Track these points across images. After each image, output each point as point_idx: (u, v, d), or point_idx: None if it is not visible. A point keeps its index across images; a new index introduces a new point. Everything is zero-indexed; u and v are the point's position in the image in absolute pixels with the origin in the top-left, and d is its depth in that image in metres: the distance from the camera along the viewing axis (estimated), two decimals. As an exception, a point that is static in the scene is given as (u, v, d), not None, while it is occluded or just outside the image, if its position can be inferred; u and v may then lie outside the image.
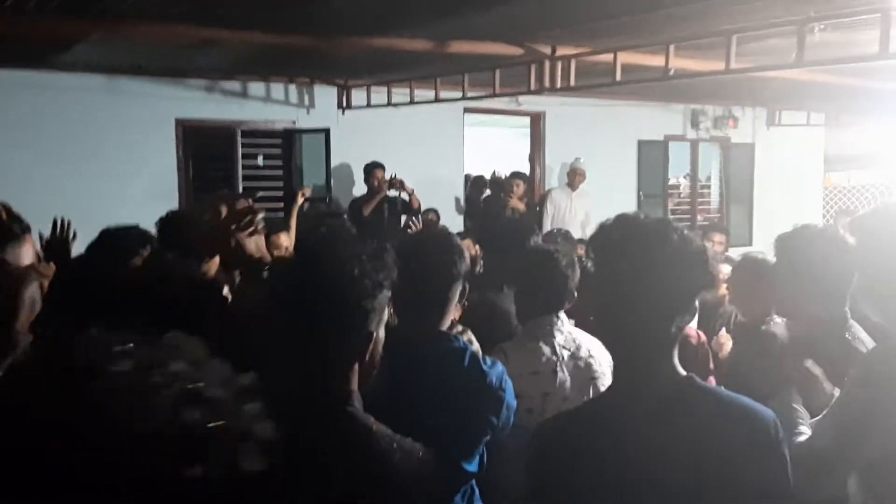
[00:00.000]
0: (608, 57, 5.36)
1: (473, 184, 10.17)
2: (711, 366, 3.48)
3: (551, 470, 1.58)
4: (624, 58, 5.33)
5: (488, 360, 2.27)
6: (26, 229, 2.27)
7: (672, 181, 10.69)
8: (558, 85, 5.74)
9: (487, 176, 10.85)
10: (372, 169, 7.69)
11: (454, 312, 2.37)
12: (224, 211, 2.22)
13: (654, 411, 1.53)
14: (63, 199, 6.21)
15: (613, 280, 1.58)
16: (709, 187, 11.12)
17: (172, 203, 7.22)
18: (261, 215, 2.26)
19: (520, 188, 8.52)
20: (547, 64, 5.72)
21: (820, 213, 11.56)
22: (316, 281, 1.49)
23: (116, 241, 3.51)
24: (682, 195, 10.95)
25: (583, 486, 1.53)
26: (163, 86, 7.39)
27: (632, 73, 5.56)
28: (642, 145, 10.01)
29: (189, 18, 4.81)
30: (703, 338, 3.53)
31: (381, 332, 1.58)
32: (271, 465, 1.39)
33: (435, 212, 7.90)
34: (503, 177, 9.76)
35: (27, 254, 2.26)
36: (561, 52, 5.67)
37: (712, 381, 3.01)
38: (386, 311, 1.58)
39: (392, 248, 1.62)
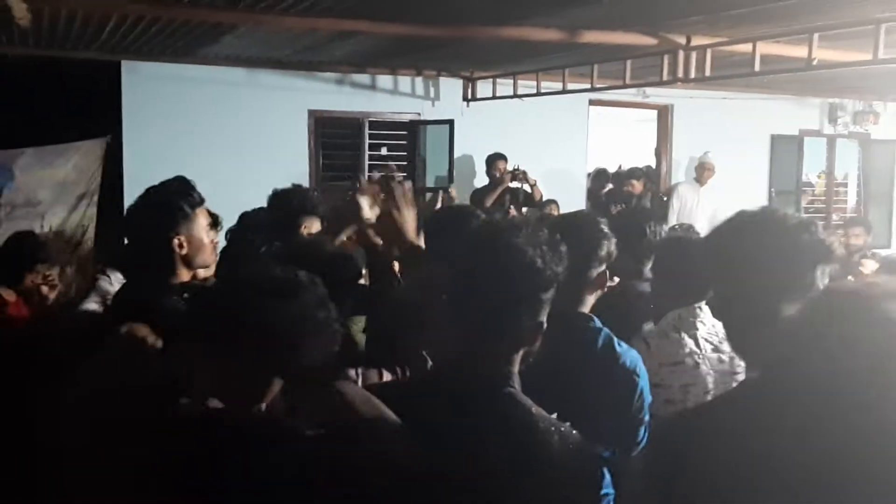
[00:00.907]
0: (746, 47, 5.18)
1: (595, 177, 10.04)
2: None
3: (682, 462, 1.54)
4: (763, 48, 5.14)
5: (623, 345, 2.26)
6: (198, 203, 2.41)
7: (806, 178, 10.23)
8: (692, 76, 5.59)
9: (611, 169, 10.68)
10: (494, 160, 7.72)
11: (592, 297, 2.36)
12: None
13: (783, 404, 1.45)
14: (205, 184, 6.54)
15: (736, 272, 1.60)
16: (846, 185, 10.57)
17: (303, 190, 7.48)
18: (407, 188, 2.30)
19: (635, 187, 8.37)
20: (681, 54, 5.58)
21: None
22: (497, 268, 1.50)
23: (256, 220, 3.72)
24: (816, 193, 10.46)
25: (713, 480, 1.48)
26: (297, 79, 7.68)
27: (771, 64, 5.36)
28: (775, 140, 9.63)
29: (329, 11, 4.96)
30: None
31: (545, 324, 1.58)
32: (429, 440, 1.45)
33: (556, 204, 7.85)
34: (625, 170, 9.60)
35: (201, 225, 2.40)
36: (696, 41, 5.52)
37: None
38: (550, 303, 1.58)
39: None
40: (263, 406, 1.58)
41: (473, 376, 1.52)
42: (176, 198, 2.36)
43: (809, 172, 10.27)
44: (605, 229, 2.37)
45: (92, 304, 3.62)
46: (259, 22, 5.27)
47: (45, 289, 3.75)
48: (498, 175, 7.67)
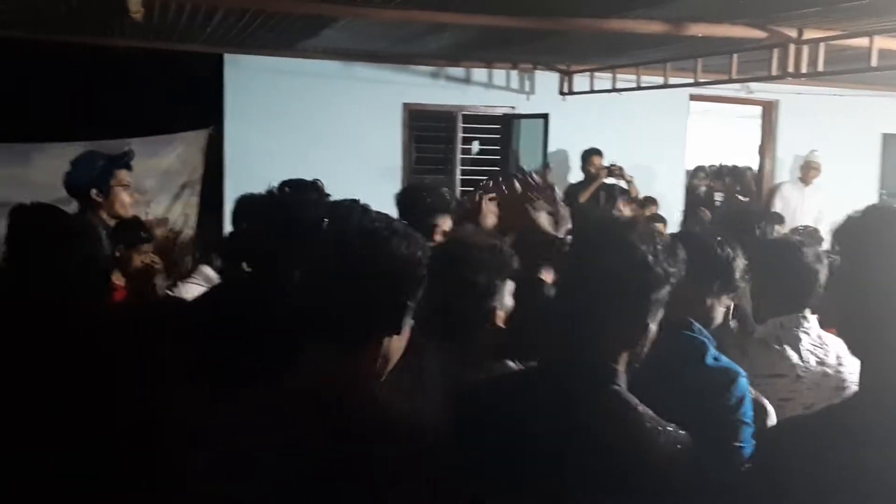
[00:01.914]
0: (862, 41, 4.90)
1: (693, 175, 9.77)
2: None
3: (781, 474, 1.49)
4: (881, 42, 4.85)
5: (723, 358, 2.16)
6: None
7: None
8: (803, 70, 5.33)
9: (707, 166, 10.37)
10: (590, 155, 7.59)
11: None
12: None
13: None
14: (301, 174, 6.65)
15: (864, 276, 1.45)
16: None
17: (396, 181, 7.56)
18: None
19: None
20: (791, 48, 5.33)
21: None
22: (606, 262, 1.50)
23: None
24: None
25: (811, 496, 1.42)
26: (392, 72, 7.74)
27: (889, 60, 5.06)
28: (887, 139, 9.15)
29: (428, 4, 4.95)
30: None
31: (655, 328, 1.56)
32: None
33: (655, 203, 7.65)
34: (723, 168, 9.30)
35: None
36: (808, 35, 5.26)
37: None
38: (662, 310, 1.56)
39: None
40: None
41: (579, 371, 1.53)
42: None
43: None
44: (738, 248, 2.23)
45: (191, 286, 3.74)
46: (359, 14, 5.31)
47: (149, 272, 3.87)
48: (593, 171, 7.54)
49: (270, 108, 7.37)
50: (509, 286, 2.00)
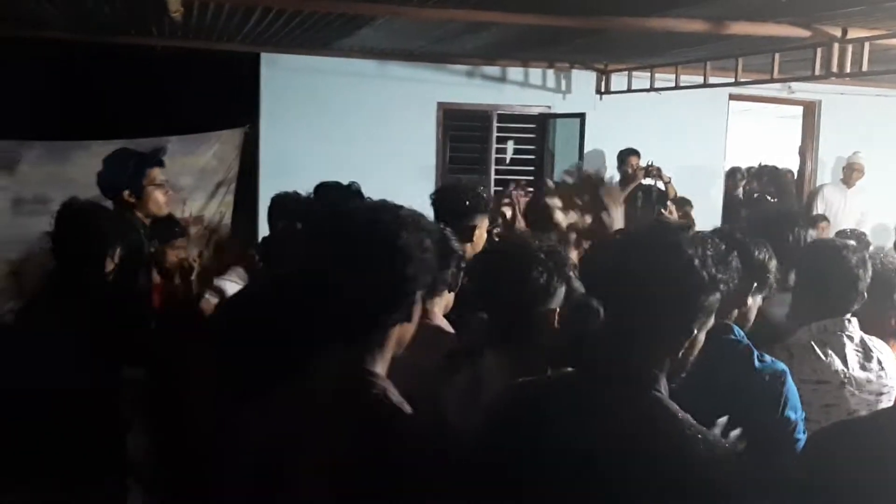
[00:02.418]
0: (907, 40, 4.78)
1: (729, 176, 9.60)
2: None
3: (827, 480, 1.45)
4: (929, 40, 4.73)
5: (766, 357, 2.12)
6: None
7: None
8: (847, 70, 5.20)
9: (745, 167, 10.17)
10: (627, 156, 7.51)
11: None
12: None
13: None
14: (336, 174, 6.67)
15: None
16: None
17: (430, 180, 7.55)
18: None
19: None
20: (835, 47, 5.21)
21: None
22: (651, 264, 1.48)
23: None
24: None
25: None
26: (427, 71, 7.71)
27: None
28: (934, 141, 8.90)
29: (465, 3, 4.92)
30: None
31: (702, 337, 1.54)
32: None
33: (690, 204, 7.54)
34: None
35: None
36: (853, 34, 5.13)
37: None
38: (712, 318, 1.53)
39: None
40: None
41: (620, 376, 1.51)
42: None
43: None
44: (768, 247, 2.23)
45: (228, 283, 3.75)
46: (397, 13, 5.30)
47: (185, 268, 3.89)
48: (630, 171, 7.45)
49: (305, 107, 7.40)
50: (565, 289, 1.98)
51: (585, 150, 8.00)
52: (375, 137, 7.53)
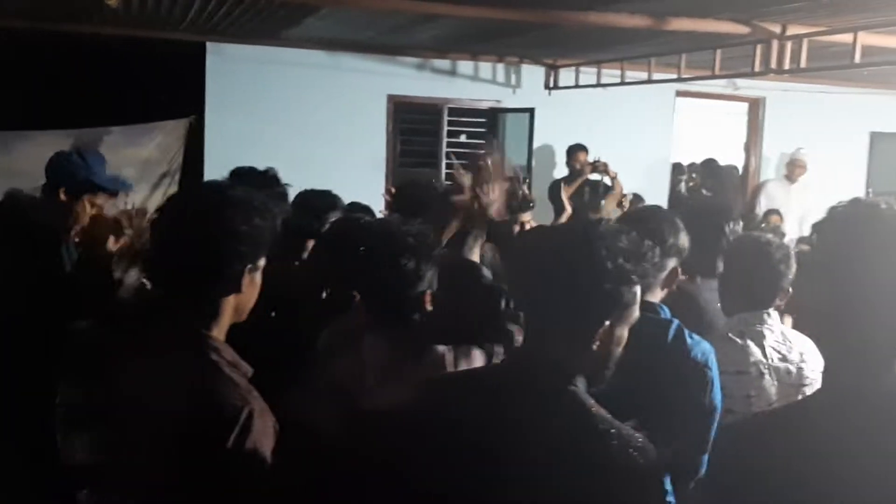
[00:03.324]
0: (846, 37, 4.86)
1: (673, 171, 9.71)
2: None
3: (740, 473, 1.46)
4: (865, 38, 4.82)
5: (694, 336, 2.15)
6: None
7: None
8: (786, 67, 5.29)
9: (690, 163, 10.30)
10: (575, 151, 7.54)
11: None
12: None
13: (864, 425, 1.35)
14: (283, 164, 6.59)
15: (840, 273, 1.41)
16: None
17: (380, 174, 7.53)
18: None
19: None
20: (775, 44, 5.29)
21: None
22: (561, 253, 1.48)
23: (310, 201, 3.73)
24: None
25: (771, 496, 1.40)
26: (378, 63, 7.67)
27: (873, 56, 5.03)
28: (875, 138, 9.13)
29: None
30: None
31: (623, 332, 1.52)
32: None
33: (641, 199, 7.61)
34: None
35: None
36: (792, 31, 5.22)
37: None
38: (632, 312, 1.52)
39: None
40: None
41: (536, 372, 1.50)
42: None
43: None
44: (677, 222, 2.26)
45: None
46: (341, 4, 5.25)
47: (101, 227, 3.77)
48: (578, 166, 7.48)
49: (252, 97, 7.31)
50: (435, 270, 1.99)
51: (535, 145, 8.04)
52: (325, 129, 7.46)
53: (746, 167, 9.01)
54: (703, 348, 2.16)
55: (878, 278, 1.36)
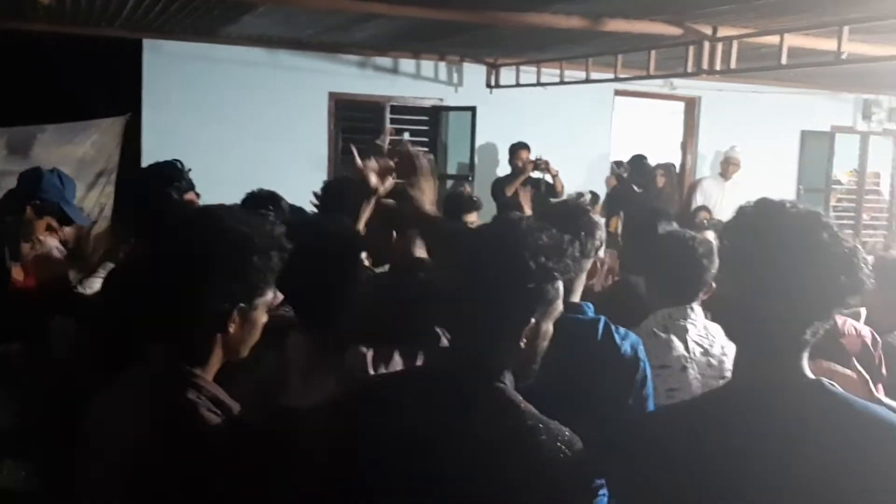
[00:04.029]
0: (774, 39, 5.03)
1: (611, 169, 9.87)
2: (884, 371, 2.92)
3: (650, 463, 1.50)
4: (792, 40, 4.98)
5: (621, 330, 2.20)
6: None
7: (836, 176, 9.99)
8: (717, 67, 5.44)
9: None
10: (517, 149, 7.61)
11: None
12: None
13: (772, 414, 1.42)
14: (221, 163, 6.57)
15: (747, 271, 1.48)
16: (878, 184, 10.32)
17: (322, 172, 7.48)
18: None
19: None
20: (707, 45, 5.43)
21: None
22: (484, 255, 1.50)
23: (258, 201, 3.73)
24: (845, 191, 10.20)
25: (680, 485, 1.45)
26: (319, 60, 7.64)
27: (800, 58, 5.20)
28: (806, 136, 9.42)
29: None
30: (879, 339, 2.98)
31: (549, 326, 1.55)
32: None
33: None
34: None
35: None
36: (723, 32, 5.37)
37: (881, 388, 2.70)
38: (557, 306, 1.55)
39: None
40: None
41: (461, 369, 1.51)
42: None
43: (840, 170, 10.03)
44: (595, 218, 2.31)
45: (96, 281, 3.63)
46: (278, 2, 5.23)
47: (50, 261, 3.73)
48: (520, 164, 7.55)
49: (191, 95, 7.21)
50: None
51: (478, 143, 8.10)
52: (265, 127, 7.41)
53: (683, 165, 9.20)
54: (631, 341, 2.20)
55: (783, 275, 1.42)
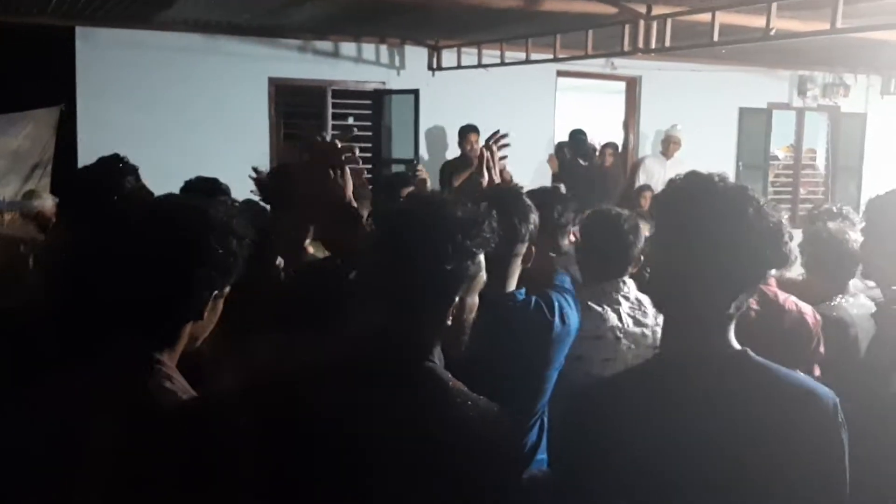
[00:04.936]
0: (706, 17, 5.11)
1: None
2: (822, 349, 2.89)
3: (584, 435, 1.54)
4: (723, 18, 5.07)
5: (557, 304, 2.24)
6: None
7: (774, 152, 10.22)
8: (653, 46, 5.52)
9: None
10: (466, 132, 7.56)
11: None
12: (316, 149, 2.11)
13: (698, 385, 1.46)
14: (160, 152, 6.45)
15: (674, 244, 1.51)
16: (814, 159, 10.59)
17: (264, 160, 7.37)
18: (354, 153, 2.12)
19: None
20: (641, 24, 5.50)
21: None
22: (401, 238, 1.49)
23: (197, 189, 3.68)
24: (782, 167, 10.45)
25: (615, 455, 1.47)
26: (257, 45, 7.53)
27: (732, 35, 5.30)
28: (744, 113, 9.59)
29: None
30: (819, 319, 2.92)
31: (474, 299, 1.56)
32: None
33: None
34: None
35: None
36: (657, 11, 5.44)
37: (817, 368, 2.78)
38: (480, 279, 1.56)
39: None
40: None
41: (390, 350, 1.51)
42: None
43: (777, 146, 10.27)
44: (529, 202, 2.32)
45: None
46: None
47: None
48: (469, 148, 7.55)
49: (127, 83, 7.04)
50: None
51: (426, 127, 8.09)
52: (203, 114, 7.28)
53: (626, 144, 9.31)
54: (563, 311, 2.24)
55: (709, 248, 1.45)
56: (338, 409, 1.46)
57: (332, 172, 2.03)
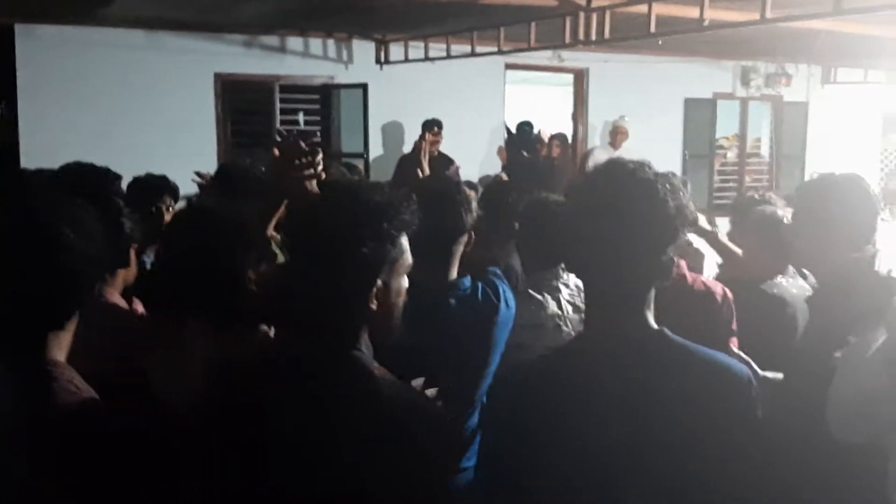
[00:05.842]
0: (643, 8, 5.21)
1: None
2: (734, 326, 3.27)
3: (509, 419, 1.55)
4: (659, 9, 5.18)
5: (501, 291, 2.27)
6: None
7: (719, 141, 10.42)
8: (593, 38, 5.60)
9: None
10: (424, 129, 7.54)
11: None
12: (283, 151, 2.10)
13: (617, 364, 1.49)
14: (105, 151, 6.33)
15: (594, 228, 1.53)
16: (759, 148, 10.82)
17: (211, 157, 7.33)
18: (320, 156, 2.12)
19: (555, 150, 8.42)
20: (582, 16, 5.58)
21: (877, 175, 11.17)
22: (319, 224, 1.50)
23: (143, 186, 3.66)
24: (727, 156, 10.66)
25: (540, 437, 1.49)
26: (202, 41, 7.45)
27: (669, 26, 5.40)
28: (689, 104, 9.77)
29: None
30: (730, 295, 3.34)
31: (400, 283, 1.55)
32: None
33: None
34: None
35: None
36: (596, 3, 5.51)
37: (734, 342, 2.87)
38: (404, 262, 1.55)
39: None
40: None
41: (316, 342, 1.50)
42: None
43: (723, 136, 10.46)
44: (467, 195, 2.35)
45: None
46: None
47: None
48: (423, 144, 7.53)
49: (69, 82, 6.92)
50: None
51: (380, 122, 8.08)
52: (148, 112, 7.19)
53: (575, 136, 9.41)
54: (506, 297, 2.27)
55: (624, 233, 1.48)
56: (262, 405, 1.46)
57: (299, 164, 2.04)
